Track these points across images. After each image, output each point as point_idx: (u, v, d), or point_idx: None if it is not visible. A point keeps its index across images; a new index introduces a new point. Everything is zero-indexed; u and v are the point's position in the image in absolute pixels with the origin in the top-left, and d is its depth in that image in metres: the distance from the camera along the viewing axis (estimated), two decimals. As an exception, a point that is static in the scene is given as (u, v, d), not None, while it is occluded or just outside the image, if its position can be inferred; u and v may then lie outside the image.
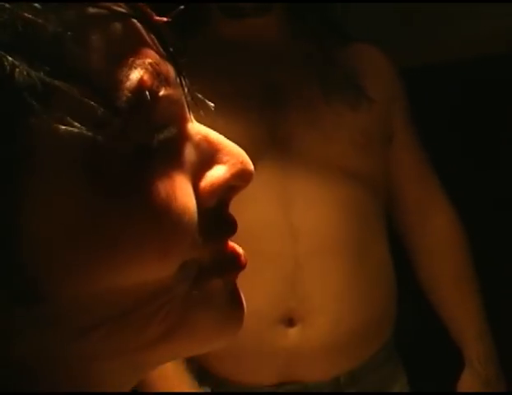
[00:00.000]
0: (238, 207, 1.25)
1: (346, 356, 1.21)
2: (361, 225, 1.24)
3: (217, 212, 0.41)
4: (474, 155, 1.60)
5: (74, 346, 0.39)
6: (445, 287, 1.34)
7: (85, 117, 0.35)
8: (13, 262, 0.36)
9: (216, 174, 0.41)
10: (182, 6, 0.42)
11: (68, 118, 0.35)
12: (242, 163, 0.42)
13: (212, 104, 0.45)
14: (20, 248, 0.36)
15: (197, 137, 0.41)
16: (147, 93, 0.37)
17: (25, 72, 0.34)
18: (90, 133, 0.35)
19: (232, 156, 0.42)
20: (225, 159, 0.42)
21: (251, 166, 0.43)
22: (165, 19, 0.41)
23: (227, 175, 0.41)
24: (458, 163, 1.39)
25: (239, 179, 0.42)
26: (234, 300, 0.43)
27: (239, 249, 0.43)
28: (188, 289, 0.40)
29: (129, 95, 0.36)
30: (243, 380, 1.20)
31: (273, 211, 1.17)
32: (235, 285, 0.43)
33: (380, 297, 1.26)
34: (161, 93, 0.38)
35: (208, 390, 1.21)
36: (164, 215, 0.37)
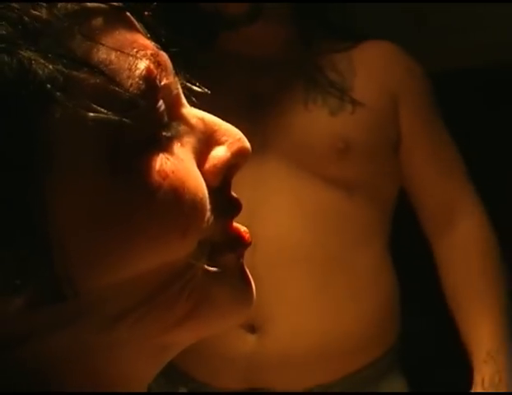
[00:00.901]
0: None
1: (316, 369, 1.17)
2: (338, 233, 1.19)
3: (222, 192, 0.43)
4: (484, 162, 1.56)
5: (103, 338, 0.40)
6: (461, 302, 1.25)
7: (106, 104, 0.37)
8: (42, 258, 0.36)
9: (217, 154, 0.43)
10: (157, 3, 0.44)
11: (92, 104, 0.36)
12: (239, 141, 0.44)
13: (207, 90, 0.47)
14: (49, 242, 0.36)
15: (193, 121, 0.43)
16: (157, 81, 0.39)
17: (43, 65, 0.35)
18: (116, 117, 0.37)
19: (229, 136, 0.44)
20: (223, 139, 0.43)
21: (248, 143, 0.45)
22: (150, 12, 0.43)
23: (228, 155, 0.43)
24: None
25: (239, 157, 0.44)
26: (244, 277, 0.45)
27: (243, 228, 0.45)
28: (205, 266, 0.41)
29: (141, 82, 0.38)
30: (214, 384, 1.20)
31: (238, 218, 1.15)
32: (243, 263, 0.45)
33: (363, 311, 1.20)
34: (163, 82, 0.40)
35: (184, 391, 1.22)
36: (181, 194, 0.39)
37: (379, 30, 1.32)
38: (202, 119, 0.44)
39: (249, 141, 1.26)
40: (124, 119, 0.37)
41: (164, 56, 0.42)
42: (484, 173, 1.34)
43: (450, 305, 1.27)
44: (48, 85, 0.35)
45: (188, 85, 0.45)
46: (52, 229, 0.36)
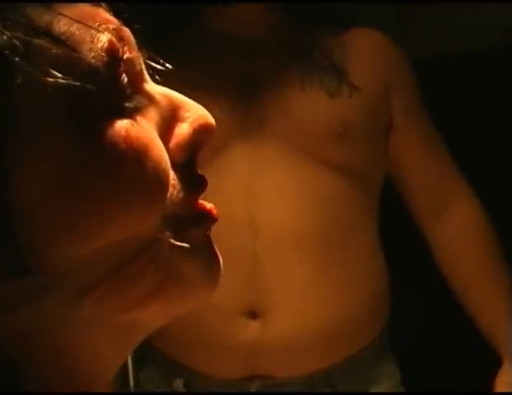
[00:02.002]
0: (203, 198, 1.24)
1: (317, 354, 1.18)
2: (337, 217, 1.18)
3: (187, 169, 0.43)
4: (482, 145, 1.56)
5: (69, 314, 0.39)
6: (472, 284, 1.25)
7: (67, 73, 0.36)
8: (4, 231, 0.36)
9: (180, 131, 0.43)
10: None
11: (53, 71, 0.36)
12: (203, 117, 0.44)
13: (170, 66, 0.47)
14: (10, 214, 0.36)
15: (156, 97, 0.43)
16: (119, 54, 0.39)
17: (1, 33, 0.35)
18: (76, 83, 0.36)
19: (192, 112, 0.43)
20: (186, 115, 0.43)
21: (211, 119, 0.44)
22: None
23: (191, 131, 0.43)
24: (465, 153, 1.34)
25: (202, 133, 0.44)
26: (212, 253, 0.45)
27: (209, 204, 0.45)
28: (171, 240, 0.41)
29: (103, 55, 0.38)
30: (212, 372, 1.19)
31: (236, 204, 1.15)
32: (211, 240, 0.45)
33: (360, 294, 1.20)
34: (126, 56, 0.40)
35: (181, 382, 1.21)
36: (145, 161, 0.39)
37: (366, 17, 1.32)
38: (166, 96, 0.43)
39: (245, 124, 1.24)
40: (86, 85, 0.37)
41: (126, 31, 0.42)
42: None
43: (457, 287, 1.27)
44: (7, 52, 0.35)
45: (152, 58, 0.46)
46: (14, 197, 0.36)
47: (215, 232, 1.22)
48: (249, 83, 1.19)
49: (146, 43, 0.44)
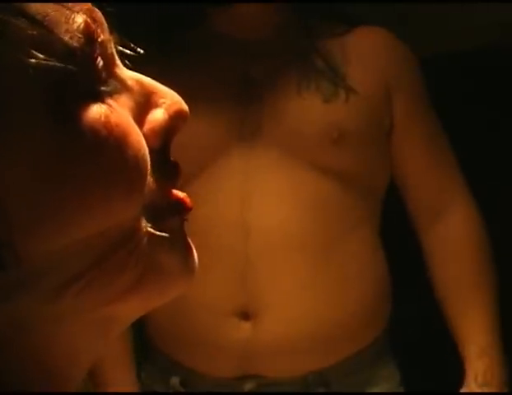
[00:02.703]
0: (198, 199, 1.25)
1: (311, 355, 1.17)
2: (331, 221, 1.18)
3: (161, 156, 0.42)
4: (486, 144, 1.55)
5: (47, 310, 0.38)
6: (452, 296, 1.24)
7: (44, 53, 0.35)
8: None
9: (155, 117, 0.42)
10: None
11: (32, 51, 0.35)
12: (177, 103, 0.43)
13: (141, 51, 0.46)
14: None
15: (129, 82, 0.42)
16: (95, 35, 0.38)
17: None
18: (59, 64, 0.35)
19: (167, 98, 0.42)
20: (160, 101, 0.42)
21: (186, 106, 0.43)
22: None
23: (166, 117, 0.42)
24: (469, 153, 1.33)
25: (177, 119, 0.43)
26: (187, 243, 0.44)
27: (183, 193, 0.44)
28: (150, 230, 0.40)
29: (80, 36, 0.37)
30: (207, 371, 1.20)
31: (230, 206, 1.15)
32: (184, 230, 0.44)
33: (356, 297, 1.20)
34: (100, 38, 0.39)
35: (177, 380, 1.21)
36: (125, 148, 0.38)
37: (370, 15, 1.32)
38: (137, 81, 0.42)
39: (241, 126, 1.25)
40: (68, 66, 0.35)
41: (99, 13, 0.41)
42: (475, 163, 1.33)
43: (440, 297, 1.26)
44: None
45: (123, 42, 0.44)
46: None
47: (208, 234, 1.23)
48: (247, 85, 1.19)
49: (116, 26, 0.43)
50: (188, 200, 0.43)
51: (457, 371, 1.24)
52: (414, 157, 1.26)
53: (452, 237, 1.25)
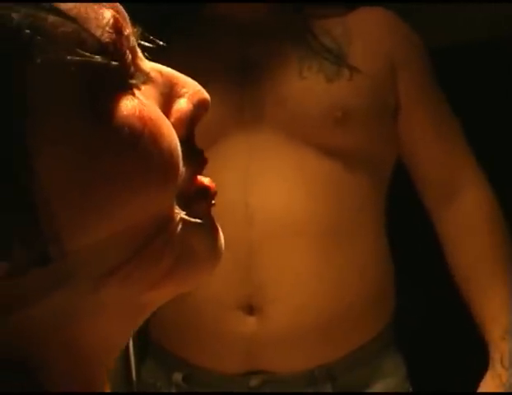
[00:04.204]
0: None
1: (318, 349, 1.15)
2: (337, 205, 1.15)
3: (187, 145, 0.43)
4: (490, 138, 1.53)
5: (90, 301, 0.39)
6: (473, 277, 1.21)
7: (80, 49, 0.36)
8: (28, 218, 0.35)
9: (180, 107, 0.43)
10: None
11: (71, 47, 0.36)
12: (199, 92, 0.44)
13: (162, 43, 0.47)
14: (34, 200, 0.35)
15: (152, 74, 0.43)
16: (124, 30, 0.39)
17: (18, 10, 0.35)
18: (100, 60, 0.36)
19: (189, 87, 0.44)
20: (183, 91, 0.43)
21: (207, 94, 0.45)
22: None
23: (190, 106, 0.43)
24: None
25: (201, 108, 0.44)
26: (215, 227, 0.45)
27: (206, 179, 0.45)
28: (183, 217, 0.42)
29: (110, 31, 0.38)
30: (211, 367, 1.18)
31: (232, 192, 1.12)
32: (211, 215, 0.45)
33: (363, 287, 1.17)
34: (126, 32, 0.40)
35: (180, 376, 1.19)
36: (160, 140, 0.39)
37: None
38: (160, 72, 0.43)
39: (242, 108, 1.22)
40: (103, 61, 0.37)
41: (121, 6, 0.42)
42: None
43: (460, 278, 1.23)
44: (25, 29, 0.34)
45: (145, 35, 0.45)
46: (36, 185, 0.35)
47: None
48: (247, 67, 1.18)
49: (137, 19, 0.44)
50: (213, 185, 0.45)
51: (462, 364, 1.24)
52: (423, 136, 1.23)
53: (469, 215, 1.23)
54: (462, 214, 1.24)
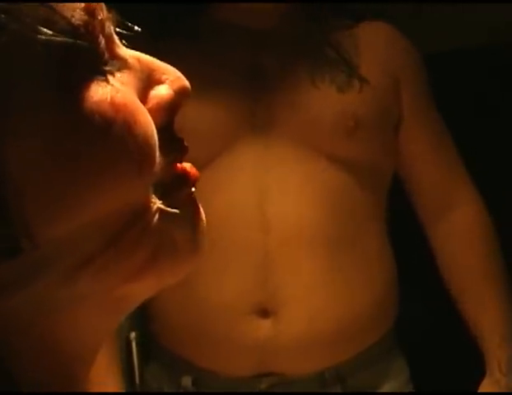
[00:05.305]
0: (212, 193, 1.22)
1: (329, 351, 1.16)
2: (347, 214, 1.17)
3: (165, 132, 0.42)
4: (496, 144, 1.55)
5: (63, 294, 0.38)
6: (467, 289, 1.24)
7: (51, 30, 0.35)
8: None
9: (160, 93, 0.42)
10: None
11: (40, 27, 0.34)
12: (180, 79, 0.43)
13: (138, 29, 0.45)
14: (4, 190, 0.34)
15: (130, 60, 0.42)
16: (97, 14, 0.38)
17: None
18: (70, 39, 0.35)
19: (169, 74, 0.43)
20: (163, 78, 0.42)
21: (187, 82, 0.44)
22: None
23: (171, 93, 0.42)
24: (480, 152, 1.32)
25: (181, 95, 0.43)
26: (198, 216, 0.44)
27: (188, 164, 0.44)
28: (160, 207, 0.41)
29: (82, 13, 0.37)
30: (221, 370, 1.18)
31: (246, 199, 1.13)
32: (196, 201, 0.44)
33: (371, 291, 1.19)
34: (100, 16, 0.39)
35: (189, 380, 1.19)
36: (133, 127, 0.38)
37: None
38: (137, 58, 0.42)
39: (253, 118, 1.24)
40: (73, 42, 0.35)
41: None
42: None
43: (455, 291, 1.26)
44: None
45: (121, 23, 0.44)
46: (3, 176, 0.34)
47: (224, 227, 1.20)
48: (258, 76, 1.18)
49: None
50: (193, 170, 0.43)
51: (464, 367, 1.24)
52: (422, 152, 1.26)
53: (462, 229, 1.26)
54: (456, 228, 1.27)
